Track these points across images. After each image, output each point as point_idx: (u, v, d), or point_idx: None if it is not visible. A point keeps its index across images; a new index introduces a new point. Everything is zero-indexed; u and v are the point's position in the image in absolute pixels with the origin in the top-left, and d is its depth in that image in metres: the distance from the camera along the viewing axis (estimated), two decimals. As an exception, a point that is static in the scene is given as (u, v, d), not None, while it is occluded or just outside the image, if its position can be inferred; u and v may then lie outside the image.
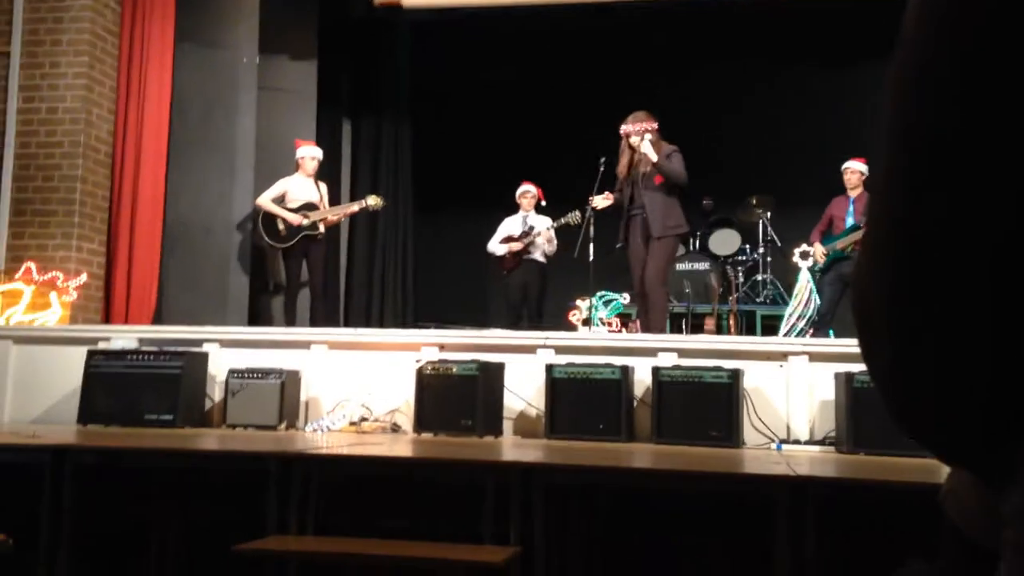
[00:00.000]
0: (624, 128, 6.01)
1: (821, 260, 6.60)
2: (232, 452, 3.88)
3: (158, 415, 4.90)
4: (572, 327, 7.11)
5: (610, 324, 7.17)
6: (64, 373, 5.38)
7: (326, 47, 8.45)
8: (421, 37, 9.39)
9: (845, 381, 4.35)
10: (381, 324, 8.59)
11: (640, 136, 5.92)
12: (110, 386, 4.99)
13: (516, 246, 7.28)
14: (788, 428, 4.74)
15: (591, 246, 6.72)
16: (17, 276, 6.08)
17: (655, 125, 6.00)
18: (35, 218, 6.41)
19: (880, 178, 0.55)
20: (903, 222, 0.52)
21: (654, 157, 5.89)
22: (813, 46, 9.00)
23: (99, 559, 4.51)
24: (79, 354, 5.18)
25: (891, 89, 0.54)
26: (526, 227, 7.34)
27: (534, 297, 7.30)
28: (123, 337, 5.47)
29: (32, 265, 6.12)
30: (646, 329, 5.80)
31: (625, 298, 7.55)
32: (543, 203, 7.49)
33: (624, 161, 6.07)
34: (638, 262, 5.97)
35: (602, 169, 6.41)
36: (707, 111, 8.66)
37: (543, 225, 7.30)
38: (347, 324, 8.47)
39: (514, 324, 7.07)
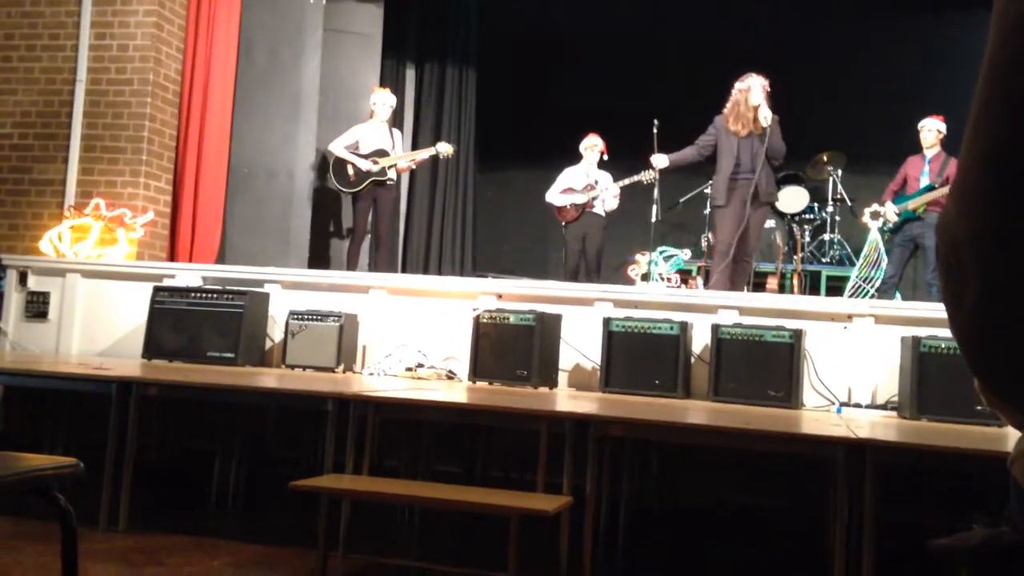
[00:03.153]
0: (747, 82, 5.90)
1: (893, 221, 6.40)
2: (291, 391, 3.94)
3: (220, 352, 5.00)
4: (630, 282, 7.05)
5: (669, 280, 7.09)
6: (130, 308, 5.51)
7: (393, -10, 8.38)
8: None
9: (912, 345, 4.24)
10: (439, 272, 8.60)
11: (764, 95, 5.83)
12: (174, 322, 5.10)
13: (579, 199, 7.19)
14: (849, 391, 4.65)
15: (654, 207, 6.66)
16: (86, 211, 6.19)
17: (768, 89, 5.92)
18: (104, 155, 6.52)
19: (980, 117, 0.54)
20: (998, 164, 0.51)
21: (766, 125, 5.77)
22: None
23: (161, 486, 4.65)
24: (145, 290, 5.30)
25: (994, 35, 0.53)
26: (589, 180, 7.23)
27: (593, 250, 7.23)
28: (188, 274, 5.57)
29: (101, 201, 6.23)
30: (725, 289, 5.70)
31: (686, 254, 7.45)
32: (605, 158, 7.38)
33: (738, 117, 5.90)
34: (736, 225, 5.80)
35: (655, 132, 6.42)
36: (777, 64, 8.39)
37: (609, 180, 7.19)
38: (404, 272, 8.50)
39: (572, 276, 7.02)
